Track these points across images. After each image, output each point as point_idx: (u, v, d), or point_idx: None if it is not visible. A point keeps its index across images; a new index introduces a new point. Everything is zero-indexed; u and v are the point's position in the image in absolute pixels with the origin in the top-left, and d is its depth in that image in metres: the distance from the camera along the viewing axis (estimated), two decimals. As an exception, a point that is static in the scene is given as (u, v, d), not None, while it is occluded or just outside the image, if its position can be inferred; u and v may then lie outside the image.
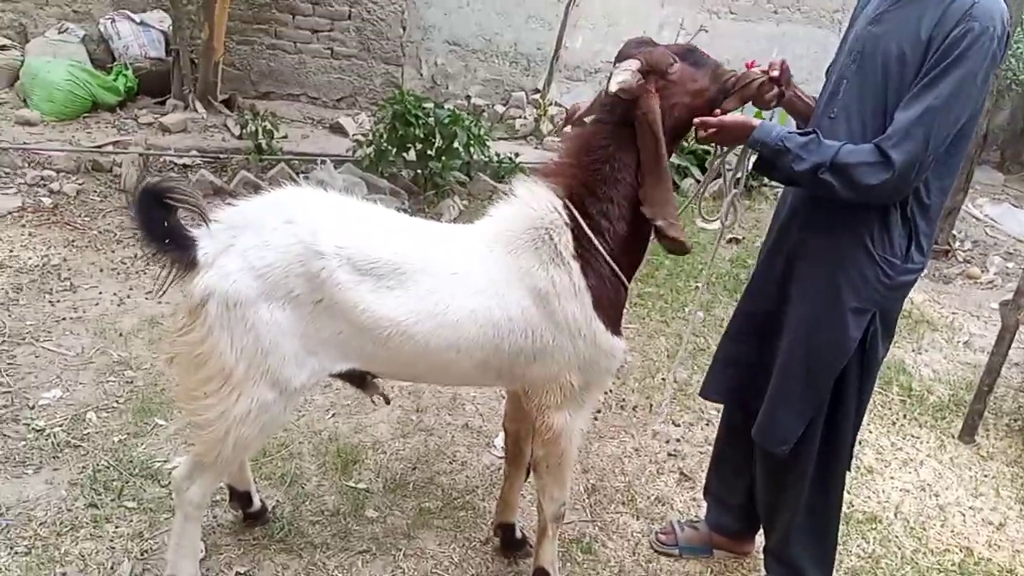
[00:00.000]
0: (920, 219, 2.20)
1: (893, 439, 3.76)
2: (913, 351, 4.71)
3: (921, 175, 2.07)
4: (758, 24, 8.75)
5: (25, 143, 5.60)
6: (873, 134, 2.12)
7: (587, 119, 2.35)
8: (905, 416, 3.97)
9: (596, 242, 2.20)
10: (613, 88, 2.09)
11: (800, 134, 2.15)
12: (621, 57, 2.19)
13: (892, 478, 3.47)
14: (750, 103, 2.31)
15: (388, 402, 2.56)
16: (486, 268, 2.18)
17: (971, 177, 6.45)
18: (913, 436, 3.82)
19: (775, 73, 2.25)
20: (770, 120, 2.74)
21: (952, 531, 3.18)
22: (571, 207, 2.20)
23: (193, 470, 2.21)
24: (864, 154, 2.06)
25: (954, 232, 6.64)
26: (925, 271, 5.98)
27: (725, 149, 2.38)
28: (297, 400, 2.22)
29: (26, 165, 5.39)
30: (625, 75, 2.09)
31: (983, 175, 8.69)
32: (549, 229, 2.18)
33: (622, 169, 2.19)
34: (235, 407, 2.07)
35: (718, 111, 2.23)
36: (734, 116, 2.23)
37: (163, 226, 2.03)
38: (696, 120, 2.22)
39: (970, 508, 3.34)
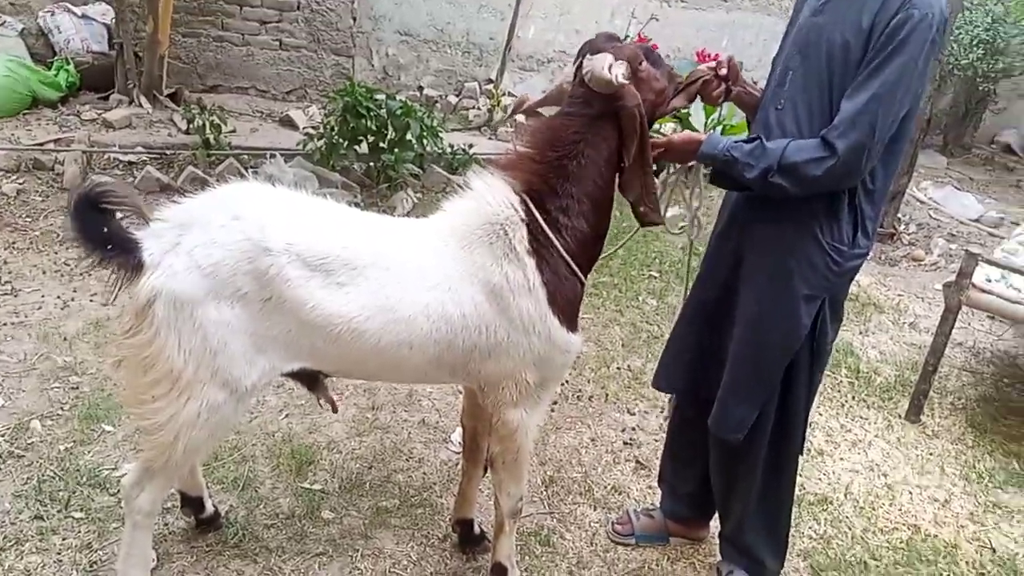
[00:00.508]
0: (865, 204, 2.24)
1: (842, 420, 3.85)
2: (860, 333, 4.81)
3: (870, 162, 2.11)
4: (708, 12, 8.82)
5: (-39, 142, 5.43)
6: (820, 123, 2.15)
7: (541, 109, 2.35)
8: (853, 397, 4.06)
9: (553, 238, 2.19)
10: (617, 79, 2.05)
11: (746, 141, 2.17)
12: (592, 50, 2.15)
13: (842, 459, 3.55)
14: (698, 99, 2.34)
15: (335, 410, 2.53)
16: (439, 263, 2.16)
17: (915, 161, 6.60)
18: (862, 417, 3.90)
19: (723, 71, 2.27)
20: (718, 114, 2.79)
21: (900, 509, 3.27)
22: (528, 202, 2.18)
23: (142, 476, 2.16)
24: (810, 149, 2.10)
25: (899, 215, 6.78)
26: (871, 255, 6.12)
27: (677, 167, 2.43)
28: (248, 401, 2.19)
29: (-38, 164, 5.23)
30: (621, 67, 2.07)
31: (926, 159, 8.90)
32: (504, 224, 2.17)
33: (589, 166, 2.18)
34: (184, 410, 2.04)
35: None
36: (681, 134, 2.31)
37: (103, 232, 1.98)
38: (659, 142, 2.29)
39: (917, 487, 3.43)
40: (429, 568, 2.63)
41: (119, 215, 2.05)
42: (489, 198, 2.21)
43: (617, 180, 2.28)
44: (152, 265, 2.00)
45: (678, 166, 2.50)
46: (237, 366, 2.06)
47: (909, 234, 6.79)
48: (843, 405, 3.99)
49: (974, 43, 8.84)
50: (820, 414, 3.84)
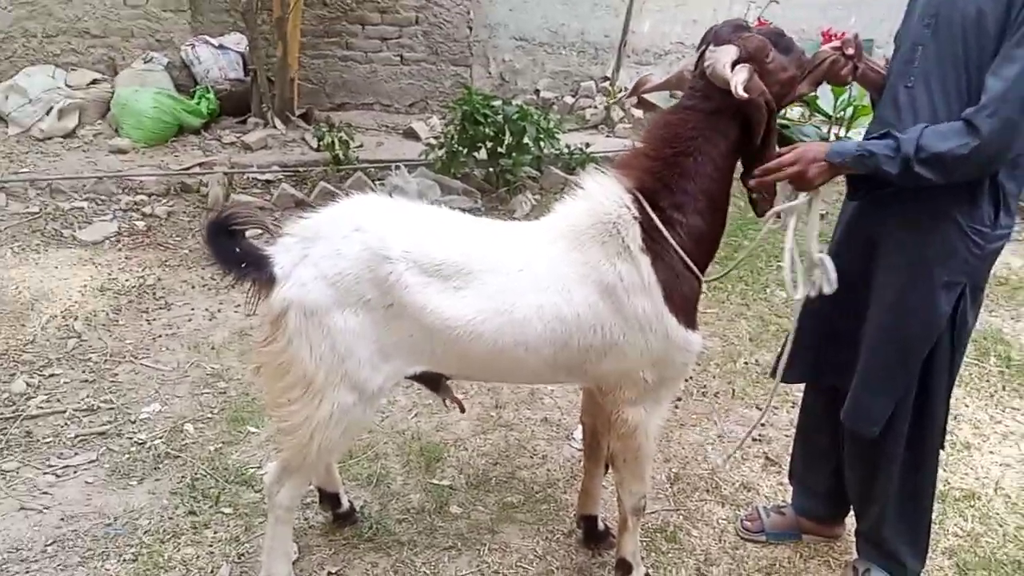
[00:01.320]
0: (1007, 181, 2.11)
1: (991, 412, 3.61)
2: (1012, 319, 4.49)
3: (1022, 139, 1.98)
4: (832, -10, 8.45)
5: (118, 171, 5.91)
6: (957, 99, 2.05)
7: (654, 98, 2.34)
8: (1004, 387, 3.80)
9: (667, 235, 2.17)
10: (737, 90, 2.00)
11: (876, 137, 2.08)
12: (717, 40, 2.12)
13: (991, 452, 3.33)
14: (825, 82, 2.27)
15: (463, 410, 2.61)
16: (552, 264, 2.19)
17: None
18: (1013, 408, 3.65)
19: (850, 51, 2.19)
20: (848, 94, 2.67)
21: (1059, 507, 3.04)
22: (641, 200, 2.18)
23: (282, 474, 2.31)
24: (954, 135, 1.97)
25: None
26: (1015, 234, 5.69)
27: (804, 196, 2.22)
28: (377, 403, 2.30)
29: (120, 191, 5.70)
30: (743, 74, 2.03)
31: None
32: (616, 223, 2.17)
33: (706, 162, 2.16)
34: (318, 411, 2.16)
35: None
36: (804, 147, 2.17)
37: (236, 251, 2.13)
38: (768, 173, 2.18)
39: (1078, 482, 3.18)
40: (555, 563, 2.66)
41: (249, 233, 2.20)
42: (600, 197, 2.22)
43: (739, 171, 2.24)
44: (283, 277, 2.14)
45: (798, 196, 2.23)
46: (364, 370, 2.16)
47: (1067, 210, 6.26)
48: (992, 395, 3.74)
49: None
50: (966, 405, 3.62)
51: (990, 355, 4.04)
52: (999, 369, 3.95)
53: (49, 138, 6.45)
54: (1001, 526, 2.93)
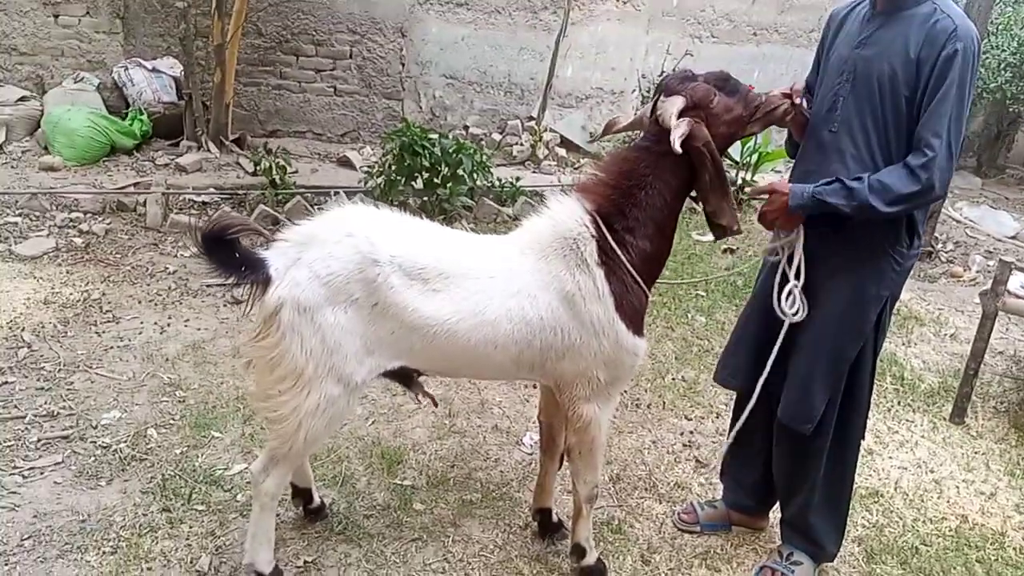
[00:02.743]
0: (917, 211, 2.53)
1: (889, 424, 4.05)
2: (904, 344, 5.01)
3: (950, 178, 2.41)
4: (740, 46, 9.15)
5: (52, 188, 5.88)
6: (877, 141, 2.46)
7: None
8: (899, 403, 4.26)
9: (619, 253, 2.47)
10: (675, 144, 2.31)
11: (826, 184, 2.44)
12: (667, 92, 2.43)
13: (891, 458, 3.75)
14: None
15: (436, 404, 2.82)
16: (520, 273, 2.46)
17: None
18: (908, 420, 4.11)
19: (797, 99, 2.55)
20: (754, 142, 3.07)
21: (948, 502, 3.46)
22: (598, 221, 2.48)
23: (269, 463, 2.47)
24: (903, 181, 2.35)
25: (936, 235, 6.97)
26: (911, 273, 6.32)
27: (784, 234, 2.63)
28: (358, 395, 2.49)
29: (54, 208, 5.67)
30: (681, 128, 2.33)
31: (961, 180, 9.09)
32: (576, 239, 2.46)
33: (655, 196, 2.46)
34: (306, 402, 2.34)
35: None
36: (776, 190, 2.54)
37: (234, 257, 2.31)
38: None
39: (963, 481, 3.63)
40: (514, 552, 2.89)
41: (243, 239, 2.39)
42: (563, 216, 2.51)
43: (702, 204, 2.53)
44: (278, 278, 2.33)
45: (782, 235, 2.64)
46: (350, 363, 2.37)
47: (947, 252, 6.98)
48: (889, 410, 4.20)
49: (1002, 67, 9.06)
50: (868, 418, 4.04)
51: (887, 375, 4.51)
52: (895, 387, 4.42)
53: (-25, 153, 6.34)
54: (900, 519, 3.32)
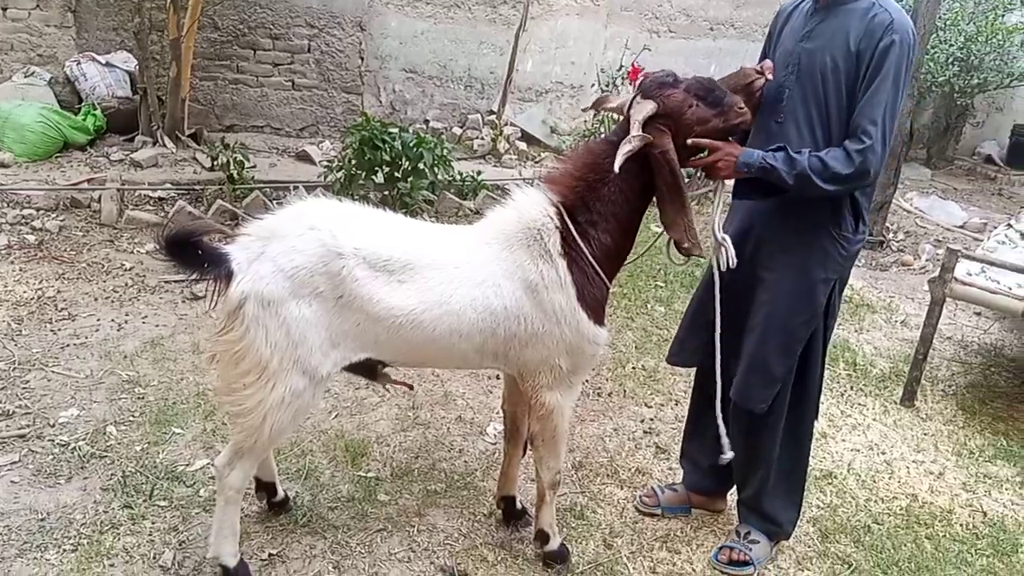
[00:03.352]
0: (861, 197, 2.63)
1: (842, 408, 4.17)
2: (856, 331, 5.14)
3: (881, 164, 2.48)
4: (696, 40, 9.28)
5: (2, 184, 5.76)
6: (820, 132, 2.54)
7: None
8: (851, 387, 4.38)
9: (582, 245, 2.50)
10: (616, 162, 2.34)
11: (774, 150, 2.49)
12: (643, 94, 2.45)
13: (843, 440, 3.86)
14: None
15: (411, 388, 2.83)
16: (485, 262, 2.49)
17: (899, 173, 6.99)
18: (860, 404, 4.23)
19: (770, 76, 2.59)
20: None
21: (899, 482, 3.57)
22: (562, 212, 2.51)
23: (233, 457, 2.47)
24: (840, 159, 2.44)
25: (887, 224, 7.15)
26: (863, 261, 6.47)
27: (713, 183, 2.65)
28: (323, 388, 2.50)
29: (5, 205, 5.56)
30: (632, 144, 2.35)
31: (911, 171, 9.31)
32: (540, 229, 2.49)
33: (618, 192, 2.49)
34: (271, 395, 2.35)
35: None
36: (726, 146, 2.51)
37: (197, 255, 2.30)
38: (698, 161, 2.55)
39: (913, 462, 3.74)
40: (479, 539, 2.92)
41: (206, 237, 2.38)
42: (528, 206, 2.54)
43: (659, 213, 2.54)
44: (241, 272, 2.33)
45: (709, 183, 2.69)
46: (315, 356, 2.37)
47: (898, 241, 7.16)
48: (842, 394, 4.31)
49: (949, 61, 9.30)
50: (822, 402, 4.12)
51: (840, 361, 4.63)
52: (847, 372, 4.55)
53: (-79, 149, 6.18)
54: (853, 499, 3.42)
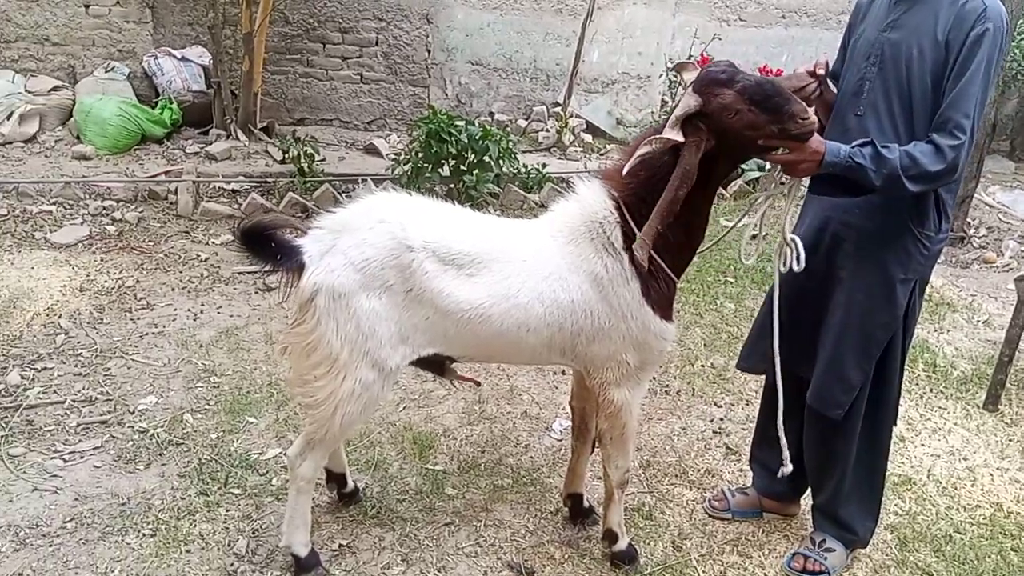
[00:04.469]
0: (945, 193, 2.51)
1: (922, 411, 4.02)
2: (936, 331, 4.96)
3: (968, 159, 2.38)
4: (768, 29, 9.06)
5: (84, 176, 5.96)
6: (903, 125, 2.43)
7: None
8: (931, 390, 4.23)
9: None
10: (638, 154, 2.29)
11: (860, 146, 2.35)
12: (698, 86, 2.30)
13: (923, 445, 3.72)
14: None
15: (478, 384, 2.83)
16: (551, 256, 2.46)
17: (982, 166, 6.71)
18: (940, 408, 4.07)
19: (820, 71, 2.49)
20: None
21: (982, 489, 3.43)
22: (622, 207, 2.46)
23: (305, 447, 2.51)
24: (928, 154, 2.31)
25: (968, 220, 6.88)
26: (943, 258, 6.24)
27: (789, 180, 2.53)
28: (393, 381, 2.50)
29: (87, 197, 5.76)
30: (655, 144, 2.27)
31: (994, 164, 8.93)
32: (603, 223, 2.45)
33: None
34: (342, 387, 2.37)
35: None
36: (815, 141, 2.34)
37: (271, 247, 2.35)
38: (779, 157, 2.40)
39: (997, 469, 3.59)
40: (545, 537, 2.91)
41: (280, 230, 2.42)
42: (590, 200, 2.50)
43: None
44: (312, 264, 2.36)
45: (785, 179, 2.55)
46: (384, 349, 2.39)
47: (979, 237, 6.88)
48: (922, 397, 4.16)
49: (1037, 48, 8.88)
50: (901, 405, 4.00)
51: (919, 362, 4.47)
52: (927, 374, 4.38)
53: (10, 143, 6.45)
54: (933, 507, 3.30)
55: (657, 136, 2.30)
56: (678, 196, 2.32)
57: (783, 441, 2.64)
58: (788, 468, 2.65)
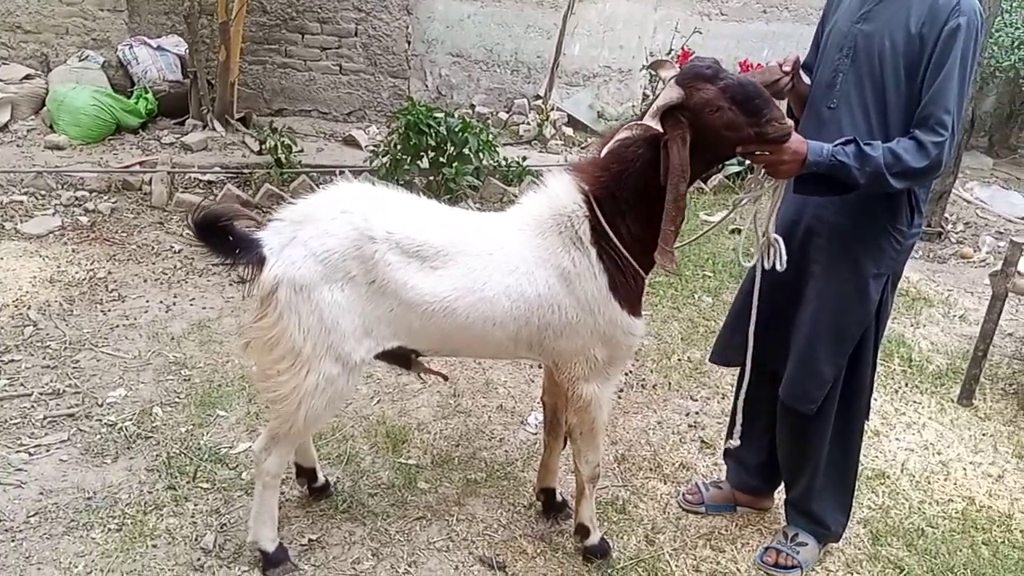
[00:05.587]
0: (918, 188, 2.50)
1: (896, 405, 4.03)
2: (912, 326, 4.98)
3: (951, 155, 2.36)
4: (749, 24, 9.06)
5: (57, 166, 5.87)
6: (876, 118, 2.41)
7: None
8: (906, 384, 4.24)
9: (611, 234, 2.41)
10: (616, 139, 2.30)
11: (843, 144, 2.32)
12: (680, 79, 2.29)
13: (897, 439, 3.74)
14: None
15: (446, 379, 2.80)
16: (518, 249, 2.43)
17: (960, 162, 6.74)
18: (915, 402, 4.08)
19: (787, 68, 2.50)
20: None
21: (955, 484, 3.44)
22: (592, 201, 2.42)
23: (270, 442, 2.47)
24: (911, 151, 2.30)
25: (946, 215, 6.91)
26: (920, 253, 6.28)
27: (772, 181, 2.47)
28: (358, 375, 2.45)
29: (60, 187, 5.66)
30: (635, 131, 2.28)
31: (972, 160, 8.99)
32: (571, 216, 2.42)
33: (640, 181, 2.36)
34: (305, 381, 2.33)
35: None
36: (795, 139, 2.31)
37: (228, 240, 2.29)
38: (762, 157, 2.37)
39: (970, 463, 3.61)
40: (518, 531, 2.89)
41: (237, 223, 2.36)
42: (559, 193, 2.47)
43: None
44: (273, 257, 2.31)
45: (768, 179, 2.48)
46: (348, 342, 2.35)
47: (957, 233, 6.92)
48: (897, 391, 4.17)
49: (1015, 45, 8.92)
50: (875, 399, 4.00)
51: (895, 357, 4.48)
52: (902, 369, 4.40)
53: (-20, 132, 6.33)
54: (907, 501, 3.30)
55: (638, 123, 2.28)
56: (680, 192, 2.29)
57: (739, 419, 2.71)
58: (736, 442, 2.73)
